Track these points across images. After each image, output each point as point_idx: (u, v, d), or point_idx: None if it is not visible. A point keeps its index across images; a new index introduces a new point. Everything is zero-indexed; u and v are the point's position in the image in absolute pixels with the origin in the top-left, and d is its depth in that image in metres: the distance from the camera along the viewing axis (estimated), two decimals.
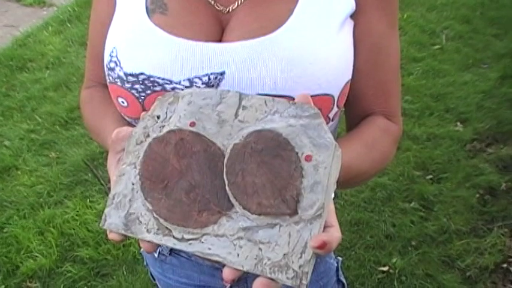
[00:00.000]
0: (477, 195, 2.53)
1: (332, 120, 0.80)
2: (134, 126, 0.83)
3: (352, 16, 0.77)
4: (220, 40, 0.75)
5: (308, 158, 0.59)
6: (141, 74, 0.74)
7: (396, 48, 0.83)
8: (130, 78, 0.75)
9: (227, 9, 0.76)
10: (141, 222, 0.62)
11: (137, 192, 0.64)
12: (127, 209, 0.64)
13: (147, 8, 0.75)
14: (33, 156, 2.92)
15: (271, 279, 0.56)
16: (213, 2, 0.76)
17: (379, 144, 0.81)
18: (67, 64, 3.65)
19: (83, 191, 2.67)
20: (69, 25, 4.10)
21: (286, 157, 0.60)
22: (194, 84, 0.73)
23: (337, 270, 1.12)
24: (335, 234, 0.57)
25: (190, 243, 0.60)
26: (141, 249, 1.17)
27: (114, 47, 0.76)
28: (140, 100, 0.75)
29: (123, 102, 0.78)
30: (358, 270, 2.19)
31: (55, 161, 2.88)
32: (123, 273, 2.25)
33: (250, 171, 0.60)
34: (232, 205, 0.60)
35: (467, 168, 2.67)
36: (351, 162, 0.74)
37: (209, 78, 0.72)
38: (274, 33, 0.72)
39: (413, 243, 2.32)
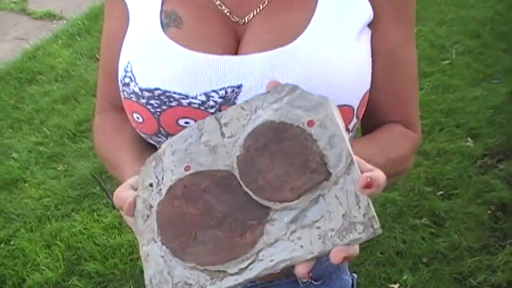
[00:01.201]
0: (489, 212, 2.50)
1: (351, 132, 0.79)
2: (151, 144, 0.81)
3: (370, 25, 0.75)
4: (236, 52, 0.74)
5: (310, 123, 0.60)
6: (157, 89, 0.72)
7: (413, 57, 0.82)
8: (146, 94, 0.73)
9: (243, 21, 0.74)
10: (191, 284, 0.60)
11: (171, 261, 0.61)
12: (171, 282, 0.60)
13: (161, 22, 0.74)
14: (41, 169, 2.91)
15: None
16: (228, 14, 0.74)
17: (395, 146, 0.79)
18: (76, 77, 3.66)
19: (91, 204, 2.66)
20: (78, 38, 4.11)
21: (291, 135, 0.60)
22: (211, 98, 0.71)
23: (352, 286, 1.10)
24: (377, 172, 0.56)
25: (250, 269, 0.58)
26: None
27: (129, 62, 0.75)
28: (156, 116, 0.74)
29: (138, 118, 0.76)
30: (368, 287, 2.16)
31: (63, 174, 2.87)
32: (130, 287, 2.23)
33: (266, 168, 0.59)
34: (268, 209, 0.59)
35: (478, 184, 2.64)
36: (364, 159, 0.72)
37: (226, 92, 0.71)
38: (291, 44, 0.70)
39: (424, 260, 2.29)
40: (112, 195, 2.28)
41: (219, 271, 0.58)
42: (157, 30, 0.74)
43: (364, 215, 0.55)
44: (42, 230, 2.53)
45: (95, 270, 2.31)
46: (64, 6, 4.67)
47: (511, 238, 2.36)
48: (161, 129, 0.75)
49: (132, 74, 0.74)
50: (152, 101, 0.73)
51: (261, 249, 0.58)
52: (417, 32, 3.77)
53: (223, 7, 0.74)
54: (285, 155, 0.59)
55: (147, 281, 0.62)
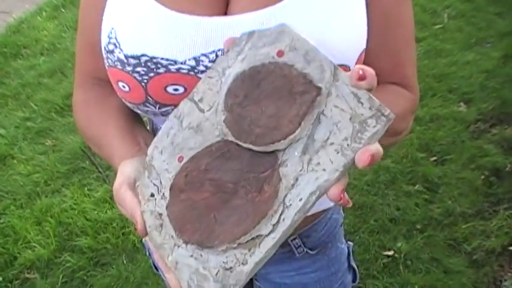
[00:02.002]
0: (482, 177, 2.48)
1: None
2: (138, 115, 0.78)
3: None
4: (225, 14, 0.69)
5: (280, 53, 0.58)
6: (143, 55, 0.68)
7: (409, 17, 0.78)
8: (132, 61, 0.69)
9: None
10: (230, 267, 0.56)
11: (201, 255, 0.57)
12: (210, 276, 0.57)
13: None
14: (29, 145, 2.86)
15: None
16: None
17: (392, 103, 0.75)
18: (62, 50, 3.59)
19: (81, 179, 2.63)
20: (63, 10, 4.02)
21: (266, 74, 0.58)
22: (201, 62, 0.67)
23: (349, 255, 1.08)
24: (366, 66, 0.54)
25: (283, 220, 0.54)
26: (143, 239, 1.12)
27: (113, 28, 0.71)
28: (143, 84, 0.70)
29: (124, 86, 0.72)
30: (362, 255, 2.15)
31: (51, 149, 2.83)
32: (123, 262, 2.21)
33: (256, 116, 0.57)
34: (275, 153, 0.56)
35: (472, 150, 2.62)
36: None
37: (216, 55, 0.67)
38: (282, 2, 0.67)
39: (418, 226, 2.28)
40: (102, 168, 2.24)
41: (253, 238, 0.55)
42: None
43: (370, 108, 0.53)
44: (32, 206, 2.50)
45: (86, 246, 2.28)
46: None
47: (504, 203, 2.35)
48: (149, 97, 0.71)
49: (117, 40, 0.70)
50: (139, 68, 0.69)
51: (285, 195, 0.54)
52: None
53: None
54: (269, 94, 0.57)
55: (184, 286, 0.58)
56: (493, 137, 2.69)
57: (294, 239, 0.94)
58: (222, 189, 0.58)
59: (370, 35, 0.73)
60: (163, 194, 0.61)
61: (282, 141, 0.55)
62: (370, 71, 0.53)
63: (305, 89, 0.55)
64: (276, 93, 0.56)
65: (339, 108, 0.54)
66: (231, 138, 0.58)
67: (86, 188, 2.56)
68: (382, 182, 2.49)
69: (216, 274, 0.56)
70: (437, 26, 3.56)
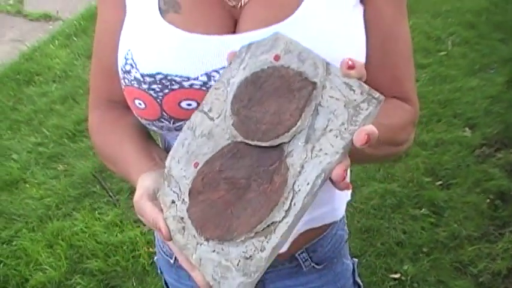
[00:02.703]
0: (487, 201, 2.51)
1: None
2: (153, 129, 0.83)
3: (362, 1, 0.77)
4: (234, 31, 0.75)
5: (276, 58, 0.64)
6: (158, 73, 0.74)
7: (406, 34, 0.83)
8: (147, 79, 0.74)
9: (239, 4, 0.76)
10: (250, 256, 0.60)
11: (222, 249, 0.62)
12: (232, 267, 0.61)
13: (160, 9, 0.75)
14: (41, 169, 2.92)
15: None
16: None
17: (393, 114, 0.80)
18: (73, 77, 3.66)
19: (92, 203, 2.67)
20: (75, 39, 4.11)
21: (266, 77, 0.64)
22: (212, 78, 0.73)
23: (354, 271, 1.11)
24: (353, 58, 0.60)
25: (294, 204, 0.59)
26: (156, 257, 1.16)
27: (129, 50, 0.76)
28: (158, 100, 0.75)
29: (140, 104, 0.77)
30: (369, 278, 2.17)
31: (63, 174, 2.88)
32: (133, 284, 2.24)
33: (261, 115, 0.63)
34: (280, 146, 0.61)
35: (477, 174, 2.65)
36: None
37: None
38: (287, 19, 0.72)
39: (424, 249, 2.30)
40: (112, 193, 2.30)
41: (268, 226, 0.59)
42: (156, 17, 0.75)
43: (361, 93, 0.58)
44: (43, 229, 2.54)
45: (97, 268, 2.31)
46: (60, 7, 4.68)
47: (510, 226, 2.37)
48: (164, 113, 0.76)
49: (133, 60, 0.75)
50: (154, 86, 0.74)
51: (294, 182, 0.59)
52: (412, 25, 3.78)
53: None
54: (270, 94, 0.62)
55: (210, 282, 0.62)
56: (497, 161, 2.72)
57: (301, 253, 0.98)
58: (236, 185, 0.62)
59: (370, 52, 0.78)
60: (183, 199, 0.66)
61: (286, 134, 0.60)
62: (358, 60, 0.59)
63: (302, 85, 0.61)
64: (276, 93, 0.62)
65: (333, 98, 0.59)
66: (240, 139, 0.63)
67: (96, 212, 2.60)
68: (388, 206, 2.52)
69: (238, 264, 0.60)
70: (442, 53, 3.62)
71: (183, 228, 0.65)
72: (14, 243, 2.48)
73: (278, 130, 0.61)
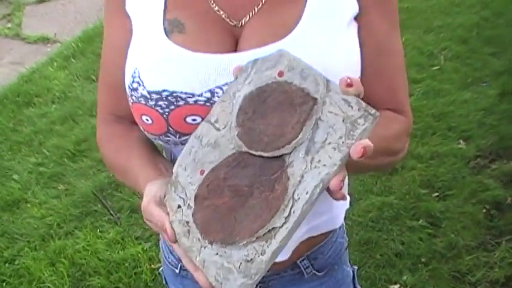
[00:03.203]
0: (484, 211, 2.55)
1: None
2: (159, 143, 0.87)
3: (356, 18, 0.81)
4: (235, 50, 0.79)
5: (280, 74, 0.69)
6: (164, 90, 0.78)
7: (399, 46, 0.88)
8: (154, 96, 0.78)
9: (240, 24, 0.80)
10: (251, 259, 0.64)
11: (225, 252, 0.66)
12: (234, 269, 0.65)
13: (165, 29, 0.80)
14: (42, 189, 2.95)
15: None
16: (226, 18, 0.80)
17: (387, 125, 0.83)
18: (73, 98, 3.71)
19: (93, 222, 2.70)
20: (73, 60, 4.16)
21: (270, 92, 0.68)
22: (216, 94, 0.77)
23: (354, 278, 1.15)
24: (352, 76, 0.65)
25: (293, 212, 0.63)
26: (160, 268, 1.19)
27: (136, 68, 0.80)
28: (164, 116, 0.79)
29: (147, 120, 0.81)
30: None
31: (64, 193, 2.91)
32: None
33: (264, 127, 0.67)
34: (282, 157, 0.65)
35: (473, 185, 2.69)
36: None
37: None
38: (285, 38, 0.77)
39: (423, 260, 2.33)
40: (114, 211, 2.34)
41: (269, 231, 0.63)
42: (161, 37, 0.79)
43: (358, 109, 0.63)
44: (46, 248, 2.57)
45: (100, 285, 2.34)
46: (57, 30, 4.74)
47: (506, 235, 2.41)
48: (170, 128, 0.80)
49: (140, 79, 0.80)
50: (160, 102, 0.78)
51: (294, 191, 0.63)
52: (405, 41, 3.85)
53: (221, 12, 0.80)
54: (273, 108, 0.67)
55: (213, 282, 0.66)
56: (492, 172, 2.77)
57: (303, 260, 1.02)
58: (239, 193, 0.66)
59: (365, 65, 0.82)
60: (189, 204, 0.70)
61: (287, 145, 0.65)
62: (356, 79, 0.64)
63: (303, 101, 0.65)
64: (279, 107, 0.67)
65: (333, 113, 0.64)
66: (244, 149, 0.67)
67: (98, 230, 2.63)
68: (386, 218, 2.56)
69: (239, 266, 0.64)
70: (435, 68, 3.68)
71: (188, 231, 0.69)
72: (16, 262, 2.50)
73: (280, 142, 0.65)
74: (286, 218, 0.63)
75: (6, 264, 2.50)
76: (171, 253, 1.07)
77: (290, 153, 0.65)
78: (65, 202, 2.83)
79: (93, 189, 2.88)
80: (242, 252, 0.64)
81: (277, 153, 0.65)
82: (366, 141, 0.61)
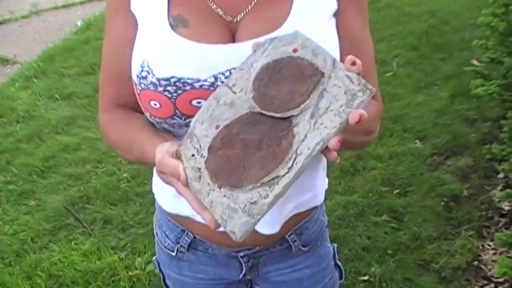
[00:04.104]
0: (442, 203, 2.72)
1: None
2: (163, 129, 0.96)
3: (335, 15, 0.94)
4: (233, 41, 0.91)
5: (294, 50, 0.80)
6: (173, 77, 0.88)
7: (370, 39, 1.01)
8: (163, 82, 0.88)
9: (235, 20, 0.91)
10: (255, 201, 0.73)
11: (232, 195, 0.75)
12: (239, 209, 0.74)
13: (170, 24, 0.90)
14: (12, 206, 2.96)
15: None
16: (223, 15, 0.91)
17: (367, 106, 0.95)
18: (37, 117, 3.73)
19: (67, 235, 2.73)
20: (35, 80, 4.18)
21: (284, 64, 0.79)
22: (219, 79, 0.87)
23: (334, 254, 1.26)
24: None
25: (296, 163, 0.72)
26: (154, 257, 1.27)
27: (145, 59, 0.90)
28: (172, 100, 0.89)
29: (155, 104, 0.91)
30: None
31: (35, 209, 2.93)
32: None
33: (277, 93, 0.77)
34: (290, 118, 0.75)
35: (431, 180, 2.86)
36: None
37: (230, 73, 0.87)
38: (277, 30, 0.88)
39: (389, 252, 2.47)
40: (87, 224, 2.41)
41: (273, 179, 0.73)
42: (168, 31, 0.90)
43: (359, 84, 0.74)
44: (21, 263, 2.58)
45: None
46: (17, 51, 4.76)
47: (464, 224, 2.58)
48: (177, 111, 0.90)
49: (149, 67, 0.89)
50: (169, 88, 0.88)
51: (297, 147, 0.74)
52: None
53: (219, 10, 0.92)
54: (286, 77, 0.78)
55: (218, 220, 0.75)
56: (448, 168, 2.95)
57: (290, 234, 1.12)
58: (249, 146, 0.76)
59: (342, 55, 0.94)
60: (202, 154, 0.79)
61: (295, 108, 0.75)
62: (358, 60, 0.75)
63: (312, 73, 0.77)
64: (291, 77, 0.78)
65: (336, 86, 0.75)
66: (257, 109, 0.78)
67: (72, 242, 2.66)
68: (351, 216, 2.69)
69: (244, 207, 0.73)
70: (388, 74, 3.87)
71: (200, 177, 0.78)
72: None
73: (289, 105, 0.76)
74: (289, 168, 0.73)
75: None
76: (167, 237, 1.16)
77: (297, 115, 0.75)
78: (37, 217, 2.85)
79: (64, 203, 2.92)
80: (248, 195, 0.74)
81: (286, 114, 0.76)
82: (362, 111, 0.72)
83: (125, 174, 3.09)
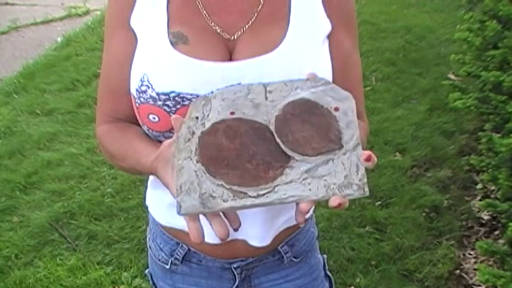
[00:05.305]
0: (423, 214, 2.79)
1: None
2: (160, 142, 0.98)
3: (328, 36, 0.98)
4: (230, 59, 0.94)
5: (336, 109, 0.81)
6: (172, 92, 0.91)
7: (359, 61, 1.05)
8: (162, 97, 0.91)
9: (233, 37, 0.95)
10: (214, 197, 0.75)
11: (202, 176, 0.77)
12: (198, 191, 0.76)
13: (170, 41, 0.93)
14: None
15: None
16: (221, 33, 0.95)
17: (361, 133, 0.99)
18: (18, 133, 3.71)
19: (51, 251, 2.72)
20: (15, 96, 4.17)
21: (320, 112, 0.81)
22: None
23: (324, 265, 1.29)
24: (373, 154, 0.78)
25: (266, 196, 0.75)
26: (147, 270, 1.29)
27: (145, 74, 0.93)
28: (171, 114, 0.92)
29: (154, 118, 0.94)
30: None
31: (18, 225, 2.91)
32: None
33: (296, 130, 0.79)
34: (290, 158, 0.78)
35: (411, 192, 2.92)
36: None
37: None
38: (273, 51, 0.92)
39: (373, 262, 2.51)
40: (72, 239, 2.42)
41: (241, 192, 0.76)
42: (168, 47, 0.93)
43: (360, 180, 0.77)
44: (5, 280, 2.56)
45: None
46: None
47: (446, 234, 2.64)
48: None
49: (149, 82, 0.92)
50: (168, 102, 0.91)
51: (278, 185, 0.76)
52: None
53: (217, 28, 0.95)
54: (312, 124, 0.80)
55: (177, 187, 0.77)
56: (428, 179, 3.02)
57: (283, 246, 1.15)
58: (244, 150, 0.78)
59: (333, 76, 0.98)
60: (204, 123, 0.81)
61: (300, 155, 0.78)
62: (374, 158, 0.78)
63: (334, 140, 0.79)
64: (316, 127, 0.80)
65: (343, 165, 0.77)
66: (272, 128, 0.80)
67: (57, 258, 2.65)
68: (335, 227, 2.73)
69: (203, 194, 0.76)
70: (368, 88, 3.94)
71: (189, 140, 0.80)
72: None
73: (298, 148, 0.78)
74: (258, 195, 0.76)
75: None
76: (161, 250, 1.18)
77: (297, 161, 0.78)
78: (21, 234, 2.83)
79: (48, 219, 2.90)
80: (213, 187, 0.76)
81: (289, 153, 0.78)
82: (345, 202, 0.75)
83: (108, 190, 3.09)
